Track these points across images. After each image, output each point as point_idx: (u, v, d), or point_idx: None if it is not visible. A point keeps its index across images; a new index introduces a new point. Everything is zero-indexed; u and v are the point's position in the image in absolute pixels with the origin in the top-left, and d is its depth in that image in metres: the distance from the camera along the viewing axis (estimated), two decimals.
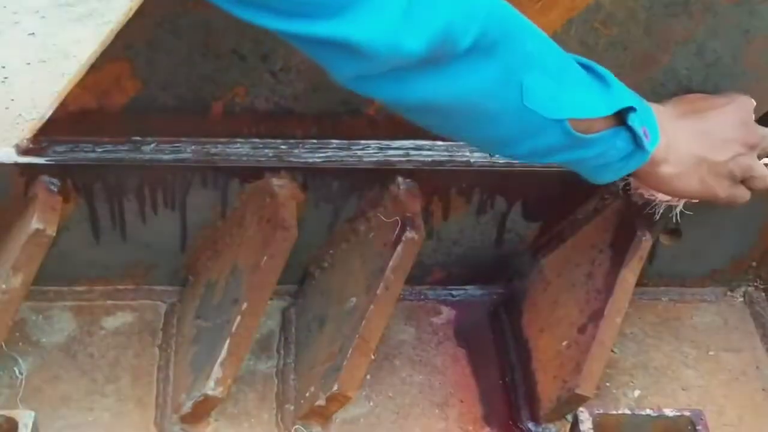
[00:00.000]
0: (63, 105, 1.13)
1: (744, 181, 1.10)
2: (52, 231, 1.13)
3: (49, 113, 1.14)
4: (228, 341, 1.12)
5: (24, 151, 1.16)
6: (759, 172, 1.10)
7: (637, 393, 1.24)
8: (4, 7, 2.01)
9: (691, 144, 1.06)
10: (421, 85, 0.92)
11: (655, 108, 1.05)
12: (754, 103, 1.13)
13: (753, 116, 1.12)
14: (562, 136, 0.98)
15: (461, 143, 1.20)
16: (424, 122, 1.02)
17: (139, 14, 1.05)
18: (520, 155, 1.03)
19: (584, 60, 1.01)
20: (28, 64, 1.91)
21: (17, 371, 1.20)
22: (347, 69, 0.90)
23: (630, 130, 0.99)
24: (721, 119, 1.09)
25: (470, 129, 1.00)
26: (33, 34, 1.99)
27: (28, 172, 1.16)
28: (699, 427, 1.07)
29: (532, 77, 0.94)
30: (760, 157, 1.11)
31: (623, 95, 1.00)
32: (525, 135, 0.98)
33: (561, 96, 0.96)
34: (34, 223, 1.12)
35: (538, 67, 0.95)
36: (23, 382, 1.19)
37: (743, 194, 1.11)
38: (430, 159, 1.20)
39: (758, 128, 1.11)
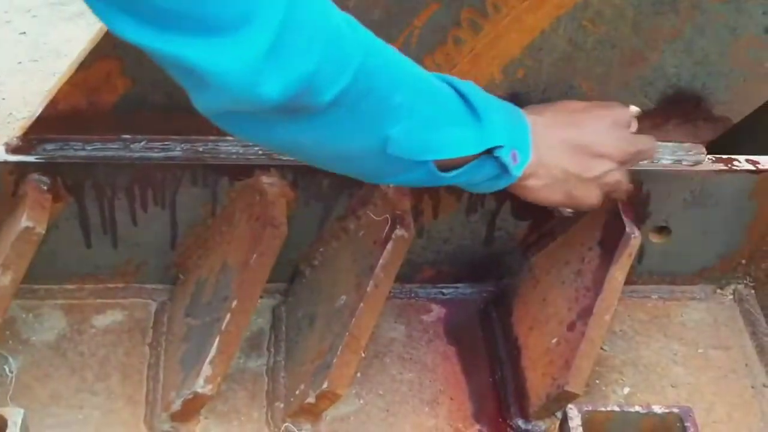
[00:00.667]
0: (53, 103, 1.13)
1: (607, 192, 1.12)
2: (41, 229, 1.13)
3: (39, 111, 1.15)
4: (218, 339, 1.12)
5: (14, 150, 1.16)
6: (624, 186, 1.13)
7: (626, 390, 1.24)
8: None
9: (564, 159, 1.06)
10: (279, 130, 0.89)
11: (532, 120, 1.05)
12: (632, 113, 1.12)
13: (632, 127, 1.12)
14: (427, 174, 0.99)
15: None
16: (291, 156, 1.03)
17: None
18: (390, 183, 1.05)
19: (462, 86, 1.00)
20: (20, 63, 1.92)
21: (7, 369, 1.20)
22: (200, 98, 0.85)
23: (497, 159, 1.00)
24: (597, 133, 1.09)
25: (337, 167, 1.01)
26: (24, 33, 1.99)
27: (18, 170, 1.16)
28: (688, 424, 1.07)
29: (398, 129, 0.93)
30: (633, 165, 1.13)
31: (494, 130, 1.00)
32: (391, 173, 0.99)
33: (429, 141, 0.96)
34: (24, 221, 1.12)
35: (405, 118, 0.93)
36: (13, 380, 1.19)
37: (600, 202, 1.12)
38: None
39: (635, 141, 1.11)
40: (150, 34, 0.79)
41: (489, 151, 1.00)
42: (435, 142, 0.97)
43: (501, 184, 1.04)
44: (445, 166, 0.99)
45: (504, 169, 1.02)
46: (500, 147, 1.00)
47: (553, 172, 1.06)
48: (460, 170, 1.00)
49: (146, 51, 0.82)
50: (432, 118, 0.96)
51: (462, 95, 0.99)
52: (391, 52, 0.95)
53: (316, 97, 0.86)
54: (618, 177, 1.11)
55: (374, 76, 0.90)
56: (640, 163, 1.18)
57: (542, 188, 1.07)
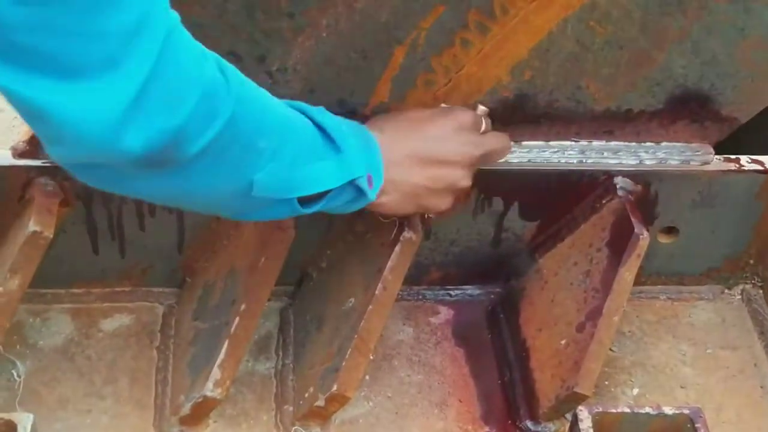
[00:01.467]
0: None
1: (458, 197, 1.13)
2: (49, 233, 1.13)
3: None
4: (226, 343, 1.12)
5: (20, 154, 1.16)
6: (468, 189, 1.13)
7: (635, 391, 1.24)
8: None
9: (411, 174, 1.06)
10: (140, 183, 0.85)
11: (377, 137, 1.05)
12: (480, 113, 1.12)
13: (483, 127, 1.12)
14: (290, 209, 0.99)
15: None
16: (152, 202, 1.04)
17: None
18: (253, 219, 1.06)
19: (318, 116, 1.00)
20: None
21: (15, 374, 1.20)
22: (53, 147, 0.78)
23: (356, 186, 1.01)
24: (441, 141, 1.08)
25: (202, 210, 1.02)
26: None
27: (25, 174, 1.16)
28: (698, 425, 1.07)
29: (263, 173, 0.92)
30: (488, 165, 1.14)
31: (354, 159, 1.00)
32: (255, 211, 0.99)
33: (293, 180, 0.96)
34: (32, 226, 1.12)
35: (269, 162, 0.93)
36: (21, 384, 1.19)
37: (451, 206, 1.12)
38: None
39: (482, 143, 1.11)
40: (1, 70, 0.71)
41: (350, 181, 1.01)
42: (299, 181, 0.97)
43: (357, 207, 1.05)
44: (308, 199, 0.99)
45: (361, 193, 1.02)
46: (360, 176, 1.01)
47: (402, 188, 1.06)
48: (323, 201, 1.00)
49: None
50: (296, 157, 0.96)
51: (320, 127, 0.99)
52: (258, 95, 0.93)
53: (181, 151, 0.82)
54: (466, 183, 1.10)
55: (241, 125, 0.87)
56: (649, 163, 1.18)
57: (394, 204, 1.07)
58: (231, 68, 0.88)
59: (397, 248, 1.14)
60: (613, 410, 1.09)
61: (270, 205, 0.97)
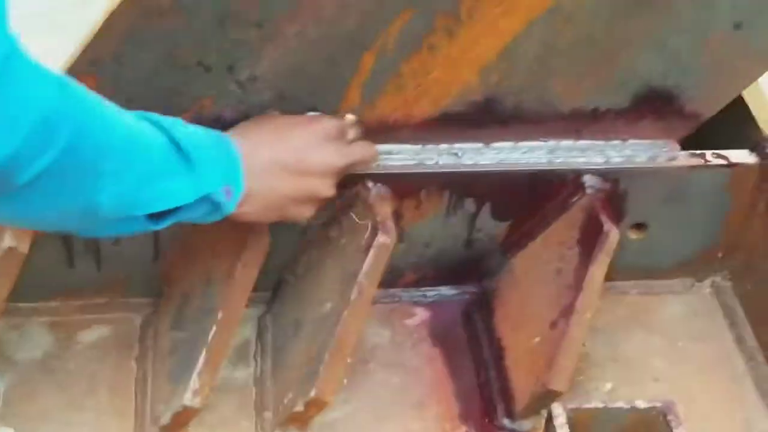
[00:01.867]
0: None
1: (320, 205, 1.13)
2: (24, 248, 1.13)
3: None
4: (204, 351, 1.13)
5: None
6: (332, 197, 1.13)
7: (609, 386, 1.26)
8: None
9: (274, 183, 1.06)
10: None
11: (240, 143, 1.04)
12: (347, 122, 1.13)
13: (349, 135, 1.13)
14: (141, 225, 0.98)
15: (430, 148, 1.22)
16: None
17: (104, 29, 1.05)
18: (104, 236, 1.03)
19: (172, 128, 0.98)
20: None
21: None
22: None
23: (211, 200, 1.01)
24: (305, 149, 1.08)
25: (54, 229, 0.99)
26: None
27: None
28: (670, 418, 1.09)
29: (107, 194, 0.90)
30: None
31: (208, 173, 0.99)
32: (104, 230, 0.98)
33: (141, 198, 0.95)
34: (7, 241, 1.12)
35: (114, 183, 0.91)
36: (0, 399, 1.18)
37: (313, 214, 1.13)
38: (400, 163, 1.21)
39: (348, 153, 1.12)
40: None
41: (203, 196, 1.00)
42: (147, 199, 0.95)
43: (217, 218, 1.04)
44: (160, 214, 0.98)
45: (218, 206, 1.02)
46: (215, 191, 1.00)
47: (265, 198, 1.06)
48: (175, 215, 0.99)
49: None
50: (143, 175, 0.94)
51: (173, 140, 0.98)
52: (104, 114, 0.89)
53: (15, 177, 0.79)
54: (328, 193, 1.11)
55: (81, 149, 0.84)
56: (617, 161, 1.20)
57: (255, 214, 1.07)
58: (76, 89, 0.86)
59: (372, 253, 1.15)
60: (587, 406, 1.11)
61: (119, 222, 0.96)
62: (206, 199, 1.00)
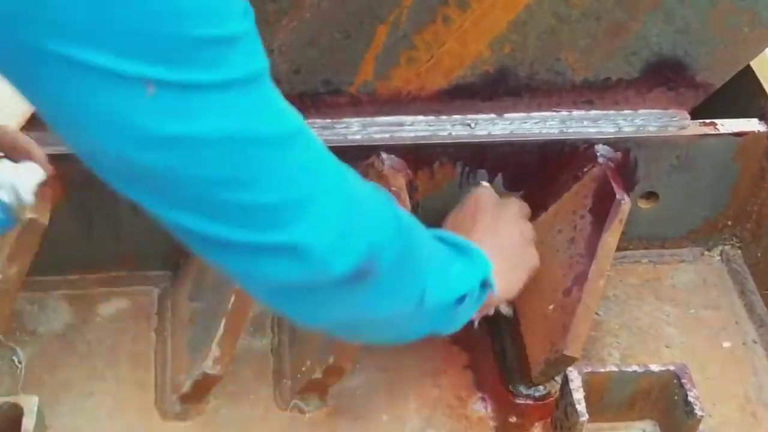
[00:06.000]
0: None
1: None
2: (45, 220, 1.14)
3: None
4: (224, 320, 1.14)
5: None
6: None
7: (621, 353, 1.27)
8: None
9: (502, 253, 1.12)
10: (340, 303, 0.90)
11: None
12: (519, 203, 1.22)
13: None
14: (449, 314, 1.03)
15: (443, 119, 1.23)
16: (330, 334, 1.07)
17: None
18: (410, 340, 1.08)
19: (432, 233, 1.04)
20: None
21: (16, 360, 1.22)
22: (284, 275, 0.83)
23: (486, 282, 1.06)
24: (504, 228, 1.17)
25: (376, 333, 1.03)
26: None
27: None
28: (684, 380, 1.11)
29: (430, 279, 0.97)
30: None
31: (479, 258, 1.06)
32: (417, 329, 1.04)
33: (448, 282, 1.01)
34: (28, 213, 1.13)
35: (433, 269, 0.98)
36: (23, 370, 1.20)
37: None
38: (413, 134, 1.23)
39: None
40: (244, 234, 0.80)
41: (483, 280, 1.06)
42: (453, 285, 1.01)
43: (480, 302, 1.08)
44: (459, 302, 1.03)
45: (491, 286, 1.07)
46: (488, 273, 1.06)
47: (504, 270, 1.11)
48: (468, 303, 1.04)
49: (215, 247, 0.83)
50: (444, 262, 1.01)
51: (439, 238, 1.04)
52: (403, 214, 0.97)
53: (379, 262, 0.87)
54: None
55: (408, 232, 0.94)
56: (628, 131, 1.22)
57: (509, 287, 1.14)
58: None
59: None
60: (602, 370, 1.13)
61: (430, 317, 1.01)
62: (485, 283, 1.06)
